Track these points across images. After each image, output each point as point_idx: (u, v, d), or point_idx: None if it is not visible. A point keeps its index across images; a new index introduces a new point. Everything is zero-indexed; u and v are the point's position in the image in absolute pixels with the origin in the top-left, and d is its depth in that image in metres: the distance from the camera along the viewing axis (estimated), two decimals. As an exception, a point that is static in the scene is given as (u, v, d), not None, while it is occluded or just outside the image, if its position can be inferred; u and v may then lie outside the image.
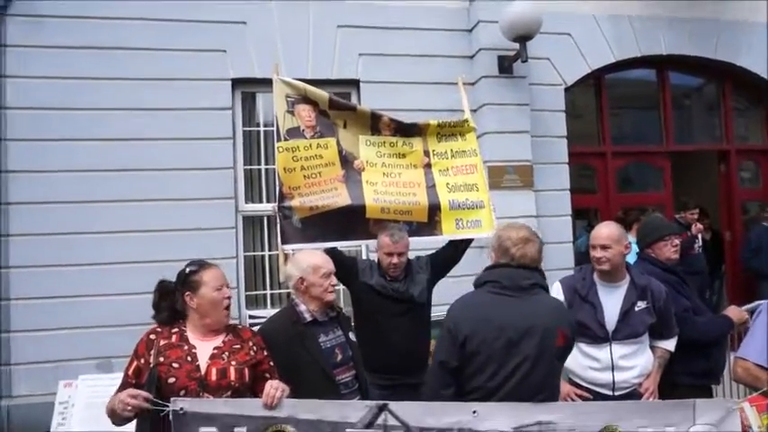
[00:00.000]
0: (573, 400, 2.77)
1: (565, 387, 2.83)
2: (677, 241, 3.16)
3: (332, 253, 2.93)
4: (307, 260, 2.64)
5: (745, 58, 6.40)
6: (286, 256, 3.10)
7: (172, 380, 2.02)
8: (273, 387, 2.07)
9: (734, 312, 3.18)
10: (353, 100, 5.43)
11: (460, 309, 2.21)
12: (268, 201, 5.43)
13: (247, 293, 5.34)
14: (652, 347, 2.87)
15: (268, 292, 5.48)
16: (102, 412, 4.84)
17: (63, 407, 4.72)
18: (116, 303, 4.86)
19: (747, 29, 6.37)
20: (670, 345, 2.89)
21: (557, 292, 2.88)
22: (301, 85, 3.37)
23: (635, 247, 3.35)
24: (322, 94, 3.39)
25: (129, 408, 1.92)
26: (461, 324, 2.13)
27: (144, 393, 1.94)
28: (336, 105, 3.42)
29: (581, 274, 2.89)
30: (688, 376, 2.95)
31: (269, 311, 4.83)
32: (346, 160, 3.38)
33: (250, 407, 2.04)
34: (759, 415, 2.30)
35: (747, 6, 6.36)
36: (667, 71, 6.57)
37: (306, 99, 3.35)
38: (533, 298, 2.15)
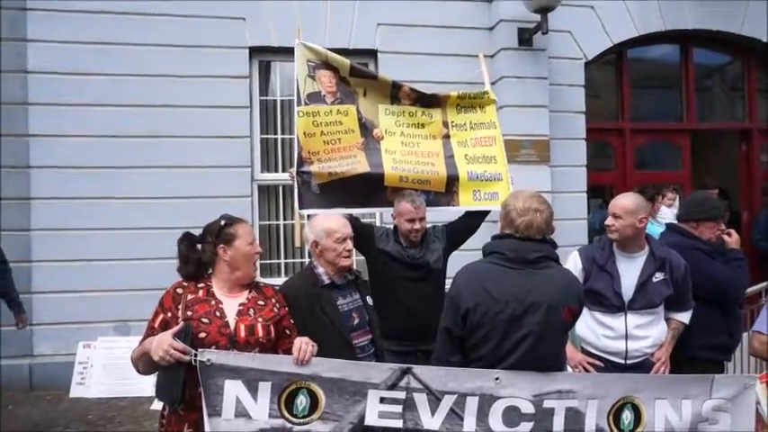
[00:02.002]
0: (585, 368, 2.80)
1: (577, 356, 2.86)
2: (723, 226, 3.15)
3: (349, 219, 2.88)
4: (322, 224, 2.60)
5: (771, 35, 6.25)
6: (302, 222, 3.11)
7: (203, 335, 2.04)
8: (305, 343, 2.08)
9: (730, 240, 3.09)
10: (371, 70, 5.41)
11: (464, 279, 2.18)
12: (284, 170, 5.45)
13: (262, 262, 5.40)
14: (666, 319, 2.87)
15: (282, 261, 5.55)
16: (119, 373, 4.96)
17: (82, 366, 4.86)
18: (133, 268, 4.96)
19: (775, 4, 6.21)
20: (685, 317, 2.90)
21: (574, 261, 2.89)
22: (323, 50, 3.35)
23: (653, 228, 3.30)
24: (343, 60, 3.37)
25: (170, 358, 1.90)
26: (464, 294, 2.11)
27: (181, 345, 1.91)
28: (357, 73, 3.41)
29: (600, 244, 2.89)
30: (708, 350, 2.97)
31: (283, 280, 4.87)
32: (366, 128, 3.38)
33: (276, 362, 2.07)
34: (768, 392, 2.34)
35: (777, -20, 6.20)
36: (691, 48, 6.44)
37: (327, 65, 3.34)
38: (540, 272, 2.11)
